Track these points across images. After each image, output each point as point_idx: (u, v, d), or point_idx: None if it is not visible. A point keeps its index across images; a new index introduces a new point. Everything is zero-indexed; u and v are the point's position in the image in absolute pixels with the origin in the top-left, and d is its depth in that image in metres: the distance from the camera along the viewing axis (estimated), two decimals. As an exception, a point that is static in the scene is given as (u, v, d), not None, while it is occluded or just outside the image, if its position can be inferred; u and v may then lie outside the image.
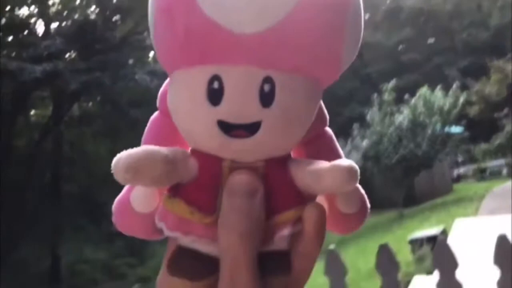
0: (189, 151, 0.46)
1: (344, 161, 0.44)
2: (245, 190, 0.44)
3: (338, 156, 0.49)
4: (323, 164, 0.45)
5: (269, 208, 0.45)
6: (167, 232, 0.45)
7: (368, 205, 0.50)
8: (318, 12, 0.43)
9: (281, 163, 0.46)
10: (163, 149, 0.43)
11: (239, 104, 0.43)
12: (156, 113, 0.51)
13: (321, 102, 0.49)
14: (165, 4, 0.43)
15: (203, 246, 0.44)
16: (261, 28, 0.42)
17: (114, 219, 0.48)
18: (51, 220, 14.67)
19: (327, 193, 0.47)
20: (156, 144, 0.45)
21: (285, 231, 0.45)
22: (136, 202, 0.47)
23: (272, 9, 0.42)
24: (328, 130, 0.51)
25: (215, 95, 0.43)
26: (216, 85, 0.43)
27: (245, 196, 0.44)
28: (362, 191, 0.50)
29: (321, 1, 0.43)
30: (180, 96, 0.45)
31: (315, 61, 0.45)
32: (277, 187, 0.45)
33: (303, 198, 0.46)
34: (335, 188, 0.44)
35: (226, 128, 0.43)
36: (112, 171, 0.41)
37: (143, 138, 0.51)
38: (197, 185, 0.45)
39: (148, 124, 0.51)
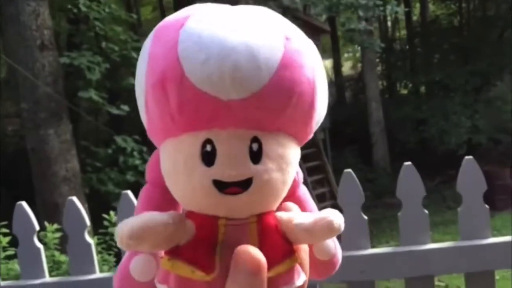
0: (184, 214, 0.50)
1: (330, 213, 0.50)
2: (250, 267, 0.46)
3: (313, 210, 0.56)
4: (311, 217, 0.50)
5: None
6: None
7: (340, 252, 0.57)
8: (293, 80, 0.49)
9: (271, 217, 0.51)
10: (164, 215, 0.48)
11: (232, 163, 0.48)
12: (146, 185, 0.56)
13: None
14: (157, 81, 0.48)
15: None
16: (246, 94, 0.47)
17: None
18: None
19: (315, 242, 0.53)
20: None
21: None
22: (136, 272, 0.51)
23: (254, 78, 0.47)
24: (303, 187, 0.58)
25: (208, 157, 0.48)
26: (209, 148, 0.48)
27: (251, 273, 0.46)
28: (336, 239, 0.56)
29: (294, 71, 0.49)
30: (176, 161, 0.50)
31: (293, 121, 0.51)
32: (270, 241, 0.50)
33: (293, 249, 0.51)
34: (324, 238, 0.51)
35: (221, 186, 0.48)
36: (115, 238, 0.46)
37: (136, 209, 0.55)
38: (195, 245, 0.48)
39: (140, 195, 0.56)
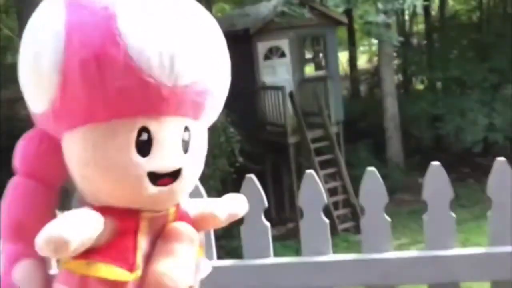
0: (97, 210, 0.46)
1: (236, 200, 0.52)
2: (189, 238, 0.46)
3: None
4: (222, 204, 0.51)
5: None
6: None
7: None
8: (224, 66, 0.50)
9: (181, 206, 0.50)
10: (91, 214, 0.44)
11: (168, 153, 0.46)
12: (16, 178, 0.49)
13: None
14: (91, 57, 0.42)
15: None
16: (190, 80, 0.46)
17: None
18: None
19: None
20: (27, 212, 0.45)
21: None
22: (25, 280, 0.46)
23: (199, 64, 0.46)
24: None
25: (144, 147, 0.45)
26: (145, 136, 0.45)
27: (190, 242, 0.46)
28: None
29: (224, 57, 0.51)
30: (104, 150, 0.44)
31: (215, 108, 0.52)
32: None
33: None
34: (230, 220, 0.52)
35: (155, 178, 0.45)
36: (42, 246, 0.40)
37: (5, 203, 0.48)
38: (116, 244, 0.45)
39: (11, 188, 0.48)
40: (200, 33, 0.46)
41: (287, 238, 10.10)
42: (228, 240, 8.07)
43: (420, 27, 19.45)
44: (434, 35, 17.08)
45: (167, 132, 0.45)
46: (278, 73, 11.60)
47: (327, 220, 1.46)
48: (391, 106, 14.30)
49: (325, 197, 1.44)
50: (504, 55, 13.93)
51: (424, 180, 1.43)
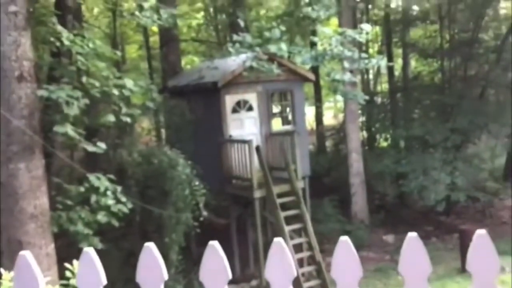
0: None
1: None
2: None
3: None
4: None
5: None
6: None
7: None
8: None
9: None
10: None
11: None
12: None
13: None
14: None
15: None
16: None
17: None
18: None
19: None
20: None
21: None
22: None
23: None
24: None
25: None
26: None
27: None
28: None
29: None
30: None
31: None
32: None
33: None
34: None
35: None
36: None
37: None
38: None
39: None
40: None
41: (251, 296, 9.80)
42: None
43: (384, 86, 19.93)
44: (397, 95, 17.51)
45: None
46: (245, 127, 11.59)
47: (296, 295, 1.33)
48: (356, 162, 14.41)
49: (294, 270, 1.33)
50: (465, 116, 14.32)
51: (401, 253, 1.34)
